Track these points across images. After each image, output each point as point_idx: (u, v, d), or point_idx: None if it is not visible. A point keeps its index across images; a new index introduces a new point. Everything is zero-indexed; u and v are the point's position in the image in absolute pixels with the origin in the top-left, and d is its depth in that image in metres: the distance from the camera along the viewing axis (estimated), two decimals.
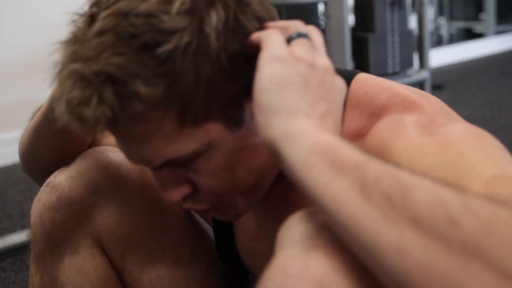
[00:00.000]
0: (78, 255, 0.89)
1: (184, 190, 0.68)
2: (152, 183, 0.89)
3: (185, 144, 0.62)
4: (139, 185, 0.91)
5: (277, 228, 0.63)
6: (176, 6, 0.57)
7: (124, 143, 0.66)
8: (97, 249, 0.90)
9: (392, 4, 3.36)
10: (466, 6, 6.21)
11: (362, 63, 3.24)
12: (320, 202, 0.47)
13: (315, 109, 0.54)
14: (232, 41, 0.60)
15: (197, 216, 1.01)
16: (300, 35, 0.59)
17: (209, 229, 1.01)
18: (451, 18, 6.13)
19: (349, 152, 0.47)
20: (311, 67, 0.57)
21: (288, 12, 3.28)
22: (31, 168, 0.96)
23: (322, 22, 3.25)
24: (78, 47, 0.58)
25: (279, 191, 0.77)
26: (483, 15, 5.95)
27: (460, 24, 6.18)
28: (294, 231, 0.51)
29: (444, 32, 5.95)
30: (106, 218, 0.89)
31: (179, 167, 0.66)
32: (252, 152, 0.67)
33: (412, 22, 3.23)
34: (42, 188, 0.89)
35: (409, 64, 2.91)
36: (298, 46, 0.58)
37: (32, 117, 0.91)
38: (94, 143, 0.98)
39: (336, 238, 0.47)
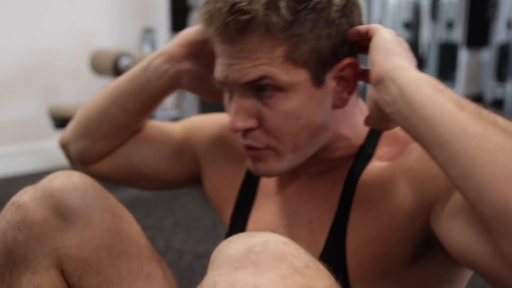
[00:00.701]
0: (37, 275, 0.91)
1: (251, 122, 0.80)
2: (115, 211, 0.95)
3: (280, 72, 0.76)
4: (102, 211, 0.94)
5: (286, 222, 0.88)
6: None
7: (234, 58, 0.77)
8: (56, 271, 0.92)
9: None
10: None
11: None
12: (423, 109, 0.63)
13: (413, 65, 0.72)
14: (343, 21, 0.77)
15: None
16: None
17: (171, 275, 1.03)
18: None
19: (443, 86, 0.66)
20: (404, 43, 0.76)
21: None
22: (88, 128, 1.03)
23: None
24: None
25: (295, 190, 0.91)
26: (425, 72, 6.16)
27: None
28: (224, 253, 0.59)
29: None
30: (67, 241, 0.92)
31: (258, 100, 0.78)
32: (317, 114, 0.80)
33: None
34: (8, 206, 0.91)
35: None
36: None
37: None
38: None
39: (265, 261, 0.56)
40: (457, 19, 5.48)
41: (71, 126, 1.08)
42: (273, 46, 0.75)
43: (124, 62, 2.93)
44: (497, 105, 4.98)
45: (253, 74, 0.76)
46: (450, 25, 5.52)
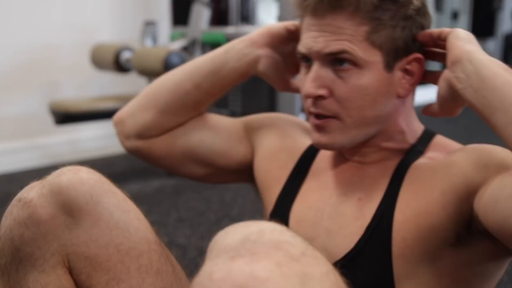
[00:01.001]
0: (43, 273, 0.90)
1: (323, 91, 0.88)
2: (124, 207, 0.95)
3: (358, 50, 0.85)
4: (110, 207, 0.93)
5: (334, 201, 0.96)
6: None
7: (320, 31, 0.87)
8: (63, 269, 0.92)
9: None
10: None
11: None
12: (493, 81, 0.75)
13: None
14: (417, 19, 0.88)
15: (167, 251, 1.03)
16: None
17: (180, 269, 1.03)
18: None
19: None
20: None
21: None
22: (157, 100, 1.09)
23: None
24: None
25: (346, 175, 0.97)
26: None
27: None
28: (220, 243, 0.60)
29: None
30: (75, 239, 0.91)
31: (333, 72, 0.87)
32: (383, 95, 0.88)
33: None
34: (14, 202, 0.90)
35: None
36: None
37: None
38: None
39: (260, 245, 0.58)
40: (462, 10, 5.48)
41: (134, 101, 1.13)
42: (357, 24, 0.85)
43: (125, 56, 2.91)
44: None
45: (335, 47, 0.86)
46: (455, 15, 5.52)
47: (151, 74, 2.82)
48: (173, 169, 1.16)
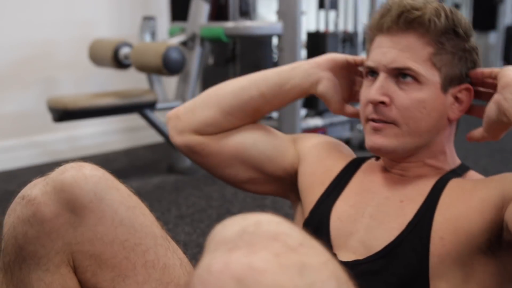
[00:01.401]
0: (47, 272, 0.90)
1: (385, 98, 0.97)
2: (128, 203, 0.95)
3: (421, 68, 0.96)
4: (115, 204, 0.93)
5: (376, 203, 1.02)
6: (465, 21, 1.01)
7: (390, 47, 0.98)
8: (67, 268, 0.92)
9: (344, 41, 3.47)
10: None
11: (311, 98, 3.30)
12: None
13: None
14: (473, 54, 1.00)
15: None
16: None
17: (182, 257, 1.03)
18: None
19: None
20: None
21: (242, 44, 3.33)
22: (220, 100, 1.14)
23: (275, 55, 3.31)
24: None
25: (388, 183, 1.04)
26: None
27: None
28: (219, 237, 0.61)
29: None
30: (79, 237, 0.91)
31: (396, 85, 0.97)
32: (437, 111, 0.98)
33: None
34: (17, 200, 0.90)
35: None
36: None
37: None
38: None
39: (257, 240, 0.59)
40: (463, 2, 5.47)
41: (195, 99, 1.19)
42: (424, 45, 0.96)
43: (124, 51, 2.89)
44: None
45: (401, 63, 0.96)
46: (456, 8, 5.52)
47: (150, 69, 2.80)
48: (219, 169, 1.19)
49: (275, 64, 3.08)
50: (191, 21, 3.08)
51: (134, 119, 3.39)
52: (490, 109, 0.93)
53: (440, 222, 0.93)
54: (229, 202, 2.57)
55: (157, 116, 2.94)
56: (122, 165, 3.32)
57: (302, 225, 1.08)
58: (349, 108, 1.14)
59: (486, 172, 1.10)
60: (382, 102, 0.97)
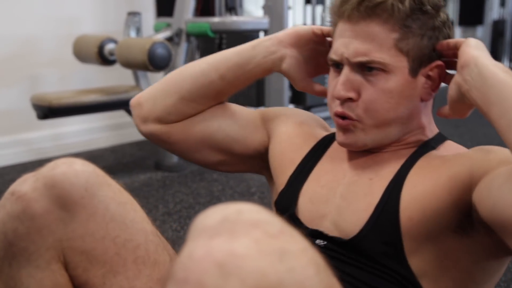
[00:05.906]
0: (38, 268, 0.89)
1: (352, 94, 0.94)
2: (119, 199, 0.95)
3: (386, 56, 0.92)
4: (106, 200, 0.92)
5: (346, 181, 1.00)
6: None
7: (352, 37, 0.93)
8: (58, 264, 0.91)
9: None
10: None
11: (299, 93, 3.31)
12: (493, 79, 0.82)
13: (491, 58, 0.88)
14: (442, 31, 0.96)
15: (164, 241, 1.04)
16: None
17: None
18: None
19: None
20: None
21: (229, 39, 3.32)
22: (180, 87, 1.11)
23: None
24: None
25: (360, 160, 1.02)
26: None
27: None
28: (200, 224, 0.61)
29: None
30: (70, 233, 0.90)
31: (362, 77, 0.94)
32: (407, 98, 0.95)
33: None
34: (6, 196, 0.89)
35: None
36: None
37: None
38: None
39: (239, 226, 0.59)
40: None
41: (155, 85, 1.14)
42: (388, 31, 0.92)
43: (109, 47, 2.86)
44: None
45: (365, 56, 0.93)
46: (443, 3, 5.56)
47: (135, 65, 2.78)
48: (188, 154, 1.17)
49: None
50: (176, 16, 3.06)
51: (120, 116, 3.37)
52: (451, 89, 0.91)
53: (407, 201, 0.92)
54: (217, 199, 2.56)
55: None
56: (109, 162, 3.30)
57: (272, 206, 1.08)
58: (317, 86, 1.10)
59: None
60: (349, 98, 0.95)
